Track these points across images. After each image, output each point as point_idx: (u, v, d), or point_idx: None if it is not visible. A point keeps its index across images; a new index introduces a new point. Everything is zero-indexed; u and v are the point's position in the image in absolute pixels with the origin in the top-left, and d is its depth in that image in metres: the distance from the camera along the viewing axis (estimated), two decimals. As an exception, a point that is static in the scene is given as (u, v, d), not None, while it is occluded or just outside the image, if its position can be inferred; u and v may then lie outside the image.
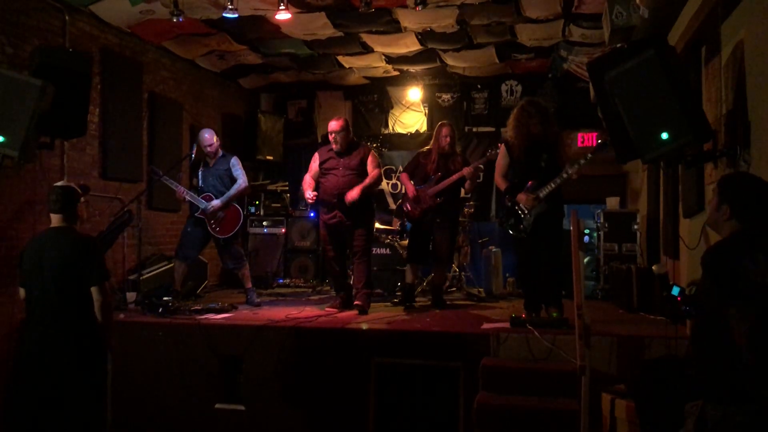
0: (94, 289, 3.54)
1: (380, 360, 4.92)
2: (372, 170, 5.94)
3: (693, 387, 2.72)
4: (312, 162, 6.14)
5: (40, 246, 3.63)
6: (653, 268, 3.18)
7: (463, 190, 6.42)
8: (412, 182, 6.25)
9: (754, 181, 2.71)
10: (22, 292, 3.70)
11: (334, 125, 5.96)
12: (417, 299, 6.76)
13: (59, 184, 3.81)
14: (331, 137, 5.95)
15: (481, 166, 6.43)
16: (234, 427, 5.08)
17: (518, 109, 5.23)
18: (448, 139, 6.13)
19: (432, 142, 6.31)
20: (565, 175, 4.98)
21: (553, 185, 5.01)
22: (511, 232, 5.26)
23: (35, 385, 3.54)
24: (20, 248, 3.93)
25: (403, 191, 8.15)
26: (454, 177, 6.07)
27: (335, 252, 6.06)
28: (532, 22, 6.64)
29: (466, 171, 6.02)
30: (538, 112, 5.12)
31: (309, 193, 5.93)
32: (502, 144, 5.42)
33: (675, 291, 2.82)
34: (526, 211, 5.10)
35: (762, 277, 2.38)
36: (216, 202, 6.13)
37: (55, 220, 3.66)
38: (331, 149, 6.00)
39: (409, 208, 6.20)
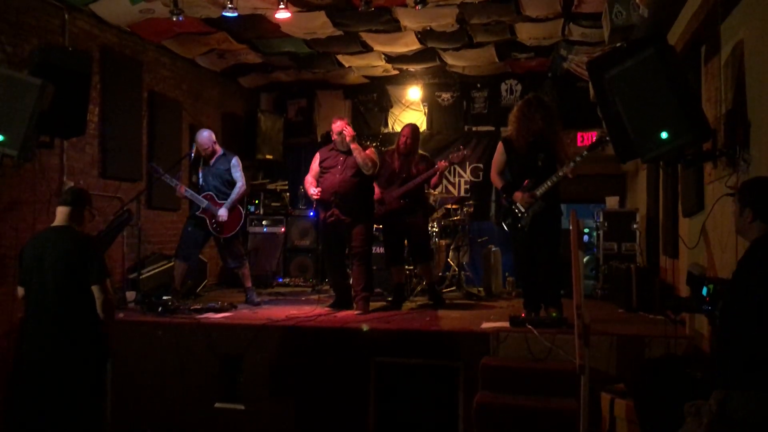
0: (95, 288, 3.55)
1: (380, 359, 4.92)
2: (372, 155, 5.93)
3: (700, 385, 2.72)
4: (313, 162, 6.13)
5: (41, 245, 3.63)
6: (690, 269, 3.08)
7: (428, 187, 6.50)
8: (377, 181, 6.28)
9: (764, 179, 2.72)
10: (20, 290, 3.71)
11: (339, 126, 5.93)
12: (417, 299, 6.78)
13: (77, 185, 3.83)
14: (335, 137, 5.93)
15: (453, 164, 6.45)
16: (234, 426, 5.08)
17: (523, 104, 5.22)
18: (403, 138, 6.23)
19: (396, 143, 6.41)
20: (561, 173, 4.98)
21: (549, 183, 5.01)
22: (508, 231, 5.27)
23: (35, 384, 3.55)
24: (19, 247, 3.93)
25: None
26: (420, 179, 6.14)
27: (334, 251, 6.06)
28: (531, 21, 6.64)
29: (441, 166, 6.11)
30: (542, 108, 5.12)
31: (313, 190, 5.92)
32: (500, 141, 5.42)
33: (704, 291, 2.85)
34: (523, 210, 5.10)
35: None
36: (224, 212, 6.10)
37: (60, 215, 3.66)
38: (333, 149, 6.00)
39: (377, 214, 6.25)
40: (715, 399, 2.46)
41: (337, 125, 5.93)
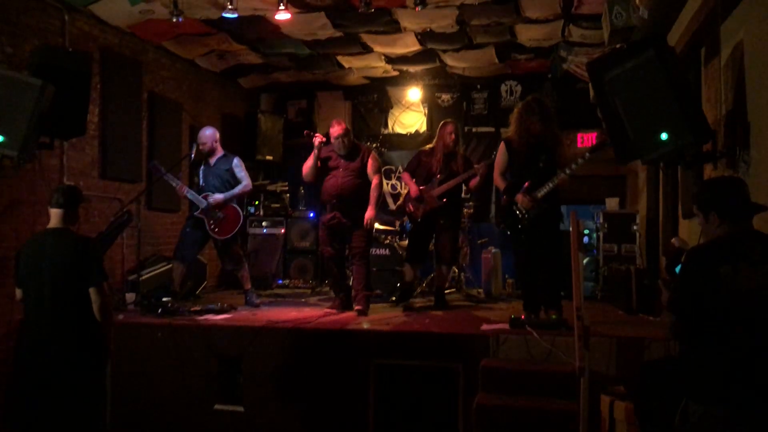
0: (92, 290, 3.53)
1: (380, 361, 4.91)
2: (373, 175, 5.90)
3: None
4: (311, 155, 6.02)
5: (39, 247, 3.61)
6: (672, 240, 3.04)
7: (464, 188, 6.38)
8: (414, 181, 6.22)
9: (724, 179, 2.74)
10: (18, 292, 3.68)
11: (338, 130, 5.87)
12: (417, 300, 6.76)
13: (66, 183, 3.78)
14: (336, 142, 5.88)
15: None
16: (233, 427, 5.07)
17: (522, 106, 5.22)
18: (453, 136, 6.09)
19: (435, 140, 6.27)
20: (563, 175, 4.98)
21: (550, 185, 5.00)
22: (508, 232, 5.26)
23: (34, 386, 3.53)
24: (19, 248, 3.91)
25: (405, 191, 8.13)
26: (460, 178, 6.02)
27: (334, 252, 6.05)
28: (531, 23, 6.64)
29: (481, 168, 5.93)
30: (541, 110, 5.11)
31: (317, 138, 5.86)
32: (502, 142, 5.41)
33: (678, 269, 2.86)
34: (523, 212, 5.09)
35: (739, 285, 2.41)
36: (218, 196, 6.10)
37: (55, 217, 3.63)
38: (333, 150, 5.97)
39: (411, 208, 6.19)
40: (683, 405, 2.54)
41: (335, 130, 5.89)
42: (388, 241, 7.28)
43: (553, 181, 4.99)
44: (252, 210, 8.55)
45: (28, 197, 5.48)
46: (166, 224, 7.47)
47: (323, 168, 5.97)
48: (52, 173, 5.75)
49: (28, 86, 4.46)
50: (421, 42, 7.38)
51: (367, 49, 7.67)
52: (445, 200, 6.05)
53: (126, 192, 6.67)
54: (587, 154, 4.97)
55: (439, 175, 6.09)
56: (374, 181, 5.90)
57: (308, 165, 5.96)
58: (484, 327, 5.03)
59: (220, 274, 8.23)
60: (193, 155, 6.43)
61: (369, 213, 5.81)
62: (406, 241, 7.15)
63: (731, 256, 2.46)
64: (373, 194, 5.86)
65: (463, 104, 9.18)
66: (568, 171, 4.96)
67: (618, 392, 3.98)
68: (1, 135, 4.39)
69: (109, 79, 6.50)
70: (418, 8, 5.85)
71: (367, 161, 5.92)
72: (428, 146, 6.39)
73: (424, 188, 6.12)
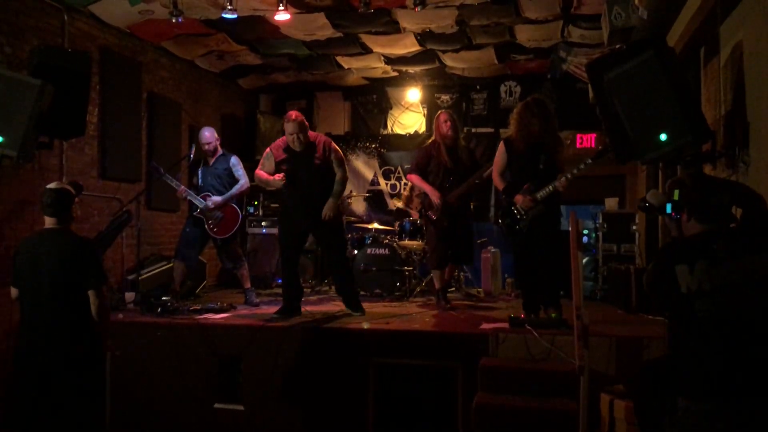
0: (91, 293, 3.52)
1: (379, 360, 4.91)
2: (337, 169, 5.50)
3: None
4: (264, 159, 5.58)
5: (36, 246, 3.60)
6: (647, 195, 2.98)
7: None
8: (428, 179, 6.01)
9: (695, 178, 2.76)
10: (14, 291, 3.67)
11: (291, 125, 5.34)
12: (416, 299, 6.76)
13: (52, 186, 3.67)
14: (290, 138, 5.38)
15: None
16: (233, 427, 5.07)
17: (522, 106, 5.19)
18: (448, 124, 5.93)
19: (435, 133, 6.10)
20: (563, 179, 4.97)
21: (550, 188, 5.00)
22: (506, 231, 5.27)
23: (33, 386, 3.53)
24: (16, 247, 3.90)
25: (406, 191, 8.02)
26: (478, 174, 5.91)
27: (294, 255, 5.71)
28: (531, 23, 6.65)
29: (481, 180, 5.94)
30: (541, 111, 5.09)
31: (277, 177, 5.38)
32: (502, 141, 5.40)
33: (668, 209, 2.83)
34: (522, 212, 5.09)
35: (695, 283, 2.44)
36: (216, 199, 6.11)
37: (49, 222, 3.63)
38: (288, 147, 5.47)
39: (434, 217, 5.98)
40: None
41: (288, 125, 5.36)
42: (387, 241, 7.27)
43: (553, 184, 4.99)
44: (251, 210, 8.56)
45: (27, 197, 5.48)
46: (166, 224, 7.47)
47: (278, 172, 5.48)
48: (51, 173, 5.75)
49: (27, 86, 4.45)
50: (420, 42, 7.39)
51: (366, 50, 7.68)
52: (462, 199, 5.97)
53: (125, 192, 6.67)
54: (589, 161, 4.92)
55: (453, 171, 5.96)
56: (338, 174, 5.49)
57: (263, 179, 5.55)
58: (484, 326, 5.04)
59: (219, 273, 8.24)
60: (192, 156, 6.43)
61: (329, 207, 5.39)
62: (406, 241, 7.15)
63: (691, 255, 2.50)
64: (337, 188, 5.47)
65: (462, 105, 9.20)
66: (569, 176, 4.95)
67: (617, 391, 3.98)
68: (1, 135, 4.38)
69: (108, 79, 6.50)
70: (418, 9, 5.85)
71: (329, 153, 5.48)
72: (431, 139, 6.21)
73: (443, 190, 5.93)
